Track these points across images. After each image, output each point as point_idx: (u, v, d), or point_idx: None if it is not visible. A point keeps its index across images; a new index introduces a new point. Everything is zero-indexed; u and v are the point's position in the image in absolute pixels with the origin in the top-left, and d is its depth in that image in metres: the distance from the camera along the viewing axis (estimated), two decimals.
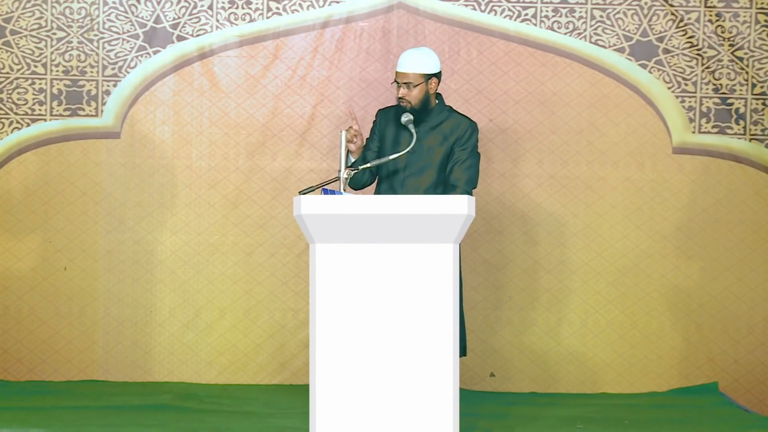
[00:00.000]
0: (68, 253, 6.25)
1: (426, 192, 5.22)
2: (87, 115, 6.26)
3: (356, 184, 5.32)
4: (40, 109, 6.25)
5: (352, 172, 4.93)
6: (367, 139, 5.43)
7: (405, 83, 5.20)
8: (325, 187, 4.85)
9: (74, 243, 6.25)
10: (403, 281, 4.49)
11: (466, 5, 6.29)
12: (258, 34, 6.28)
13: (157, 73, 6.27)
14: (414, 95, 5.20)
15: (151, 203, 6.27)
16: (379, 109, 5.48)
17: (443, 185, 5.25)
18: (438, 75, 5.25)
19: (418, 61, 5.20)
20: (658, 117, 6.30)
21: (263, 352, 6.30)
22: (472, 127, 5.29)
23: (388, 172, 5.32)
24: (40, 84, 6.24)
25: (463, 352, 5.20)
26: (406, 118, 5.16)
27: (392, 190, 5.28)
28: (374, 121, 5.43)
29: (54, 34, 6.23)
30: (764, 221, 6.30)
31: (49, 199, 6.24)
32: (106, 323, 6.27)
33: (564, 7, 6.27)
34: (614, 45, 6.28)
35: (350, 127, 5.23)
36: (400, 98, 5.23)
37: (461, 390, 4.63)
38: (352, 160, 5.26)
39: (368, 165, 5.10)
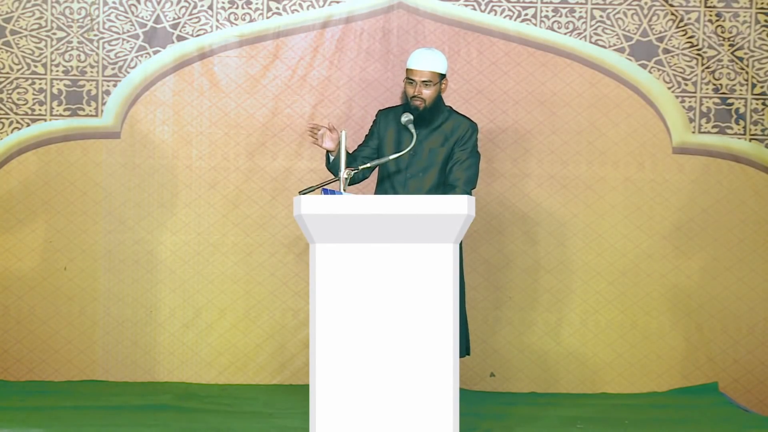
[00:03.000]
0: (68, 253, 6.25)
1: (428, 193, 5.22)
2: (87, 115, 6.26)
3: (352, 182, 5.29)
4: (40, 109, 6.25)
5: (352, 172, 4.92)
6: (366, 136, 5.43)
7: (424, 81, 5.18)
8: (325, 187, 4.85)
9: (74, 243, 6.25)
10: (403, 281, 4.49)
11: (466, 5, 6.29)
12: (258, 34, 6.28)
13: (157, 73, 6.27)
14: (429, 94, 5.20)
15: (151, 203, 6.27)
16: (380, 110, 5.48)
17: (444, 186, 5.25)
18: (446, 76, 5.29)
19: (435, 60, 5.21)
20: (658, 117, 6.30)
21: (263, 352, 6.30)
22: (473, 127, 5.29)
23: (389, 173, 5.31)
24: (40, 84, 6.24)
25: (466, 351, 5.19)
26: (405, 118, 5.14)
27: (393, 191, 5.28)
28: (374, 121, 5.43)
29: (54, 34, 6.23)
30: (764, 221, 6.30)
31: (49, 199, 6.24)
32: (106, 323, 6.27)
33: (564, 7, 6.27)
34: (614, 45, 6.28)
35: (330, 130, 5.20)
36: (413, 97, 5.20)
37: (461, 390, 4.63)
38: (332, 158, 5.23)
39: (368, 165, 5.09)
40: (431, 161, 5.25)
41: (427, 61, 5.20)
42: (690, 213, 6.30)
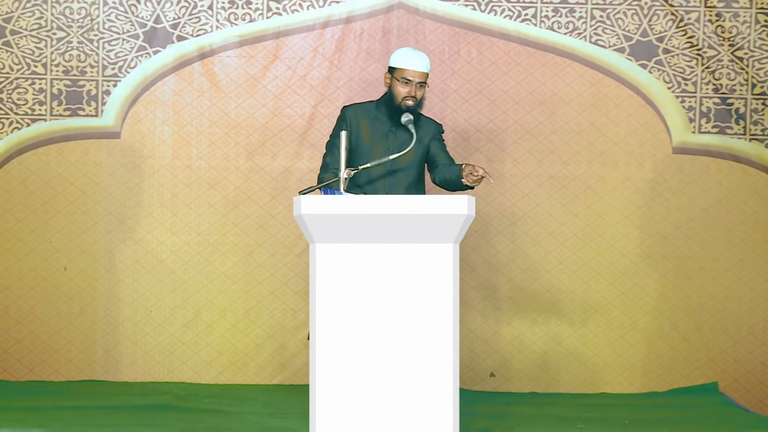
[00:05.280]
0: (68, 253, 6.25)
1: (408, 189, 5.21)
2: (87, 115, 6.26)
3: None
4: (40, 109, 6.25)
5: (353, 172, 4.91)
6: (333, 136, 5.30)
7: (420, 83, 5.15)
8: (325, 187, 4.85)
9: (74, 243, 6.25)
10: (403, 281, 4.49)
11: (466, 5, 6.29)
12: (258, 34, 6.28)
13: (157, 73, 6.27)
14: (422, 94, 5.18)
15: (151, 203, 6.28)
16: (347, 106, 5.32)
17: (423, 183, 5.26)
18: None
19: (427, 61, 5.18)
20: (658, 117, 6.31)
21: (263, 352, 6.30)
22: (440, 126, 5.31)
23: (370, 175, 5.27)
24: (40, 84, 6.24)
25: None
26: (406, 118, 5.12)
27: (375, 191, 5.22)
28: (342, 117, 5.28)
29: (54, 34, 6.23)
30: (764, 221, 6.30)
31: (49, 199, 6.24)
32: (106, 323, 6.27)
33: (564, 7, 6.27)
34: (614, 45, 6.28)
35: None
36: (407, 97, 5.14)
37: (461, 390, 4.63)
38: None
39: (368, 165, 5.08)
40: (411, 159, 5.22)
41: (423, 62, 5.16)
42: (690, 213, 6.30)
